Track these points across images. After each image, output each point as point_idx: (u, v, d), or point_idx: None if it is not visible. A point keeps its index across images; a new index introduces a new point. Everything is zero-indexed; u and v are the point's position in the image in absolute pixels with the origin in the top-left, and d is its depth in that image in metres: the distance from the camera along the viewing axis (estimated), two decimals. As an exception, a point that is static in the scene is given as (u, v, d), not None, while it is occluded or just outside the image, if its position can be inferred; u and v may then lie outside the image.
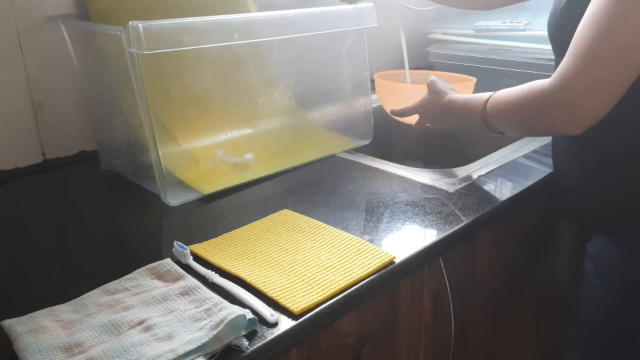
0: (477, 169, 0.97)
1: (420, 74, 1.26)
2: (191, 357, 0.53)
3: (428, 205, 0.84)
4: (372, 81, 1.18)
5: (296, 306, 0.61)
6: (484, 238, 0.88)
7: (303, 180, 0.96)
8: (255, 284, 0.64)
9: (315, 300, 0.62)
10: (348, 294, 0.64)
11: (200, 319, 0.58)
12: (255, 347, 0.56)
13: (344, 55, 1.09)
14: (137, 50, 0.78)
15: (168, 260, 0.69)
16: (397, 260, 0.70)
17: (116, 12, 0.93)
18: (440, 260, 0.80)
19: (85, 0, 0.93)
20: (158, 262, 0.68)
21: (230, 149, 0.95)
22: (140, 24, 0.77)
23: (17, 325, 0.57)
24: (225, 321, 0.55)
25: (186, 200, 0.87)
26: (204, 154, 0.93)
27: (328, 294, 0.63)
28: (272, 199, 0.90)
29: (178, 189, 0.88)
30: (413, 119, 1.02)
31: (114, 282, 0.65)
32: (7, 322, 0.58)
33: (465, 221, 0.79)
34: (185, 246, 0.70)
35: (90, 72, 1.00)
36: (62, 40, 0.99)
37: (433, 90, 0.97)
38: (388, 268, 0.69)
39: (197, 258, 0.70)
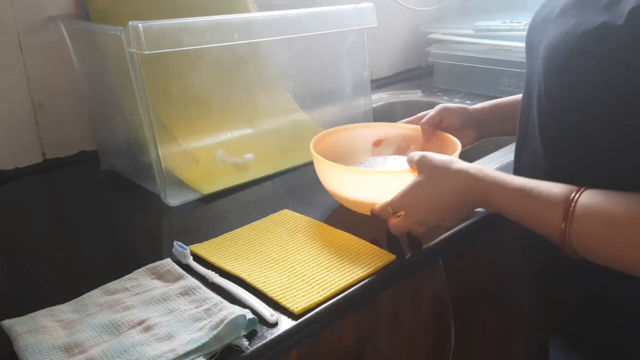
0: (477, 169, 0.97)
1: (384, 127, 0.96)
2: (191, 357, 0.53)
3: (428, 205, 0.84)
4: (372, 81, 1.18)
5: (296, 306, 0.61)
6: (484, 238, 0.88)
7: (303, 180, 0.95)
8: (255, 284, 0.64)
9: (315, 300, 0.62)
10: (348, 294, 0.64)
11: (200, 319, 0.58)
12: (255, 347, 0.56)
13: (344, 55, 1.09)
14: (137, 50, 0.78)
15: (168, 260, 0.69)
16: (397, 261, 0.70)
17: (116, 12, 0.93)
18: (440, 260, 0.80)
19: (85, 0, 0.93)
20: (158, 262, 0.68)
21: (230, 149, 0.95)
22: (140, 24, 0.77)
23: (17, 325, 0.57)
24: (225, 321, 0.55)
25: (186, 200, 0.87)
26: (204, 154, 0.93)
27: (328, 294, 0.63)
28: (272, 199, 0.90)
29: (178, 189, 0.88)
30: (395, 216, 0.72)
31: (114, 282, 0.65)
32: (7, 322, 0.58)
33: (465, 221, 0.79)
34: (185, 246, 0.70)
35: (90, 72, 1.00)
36: (62, 40, 0.99)
37: (430, 167, 0.68)
38: (388, 268, 0.69)
39: (197, 258, 0.70)
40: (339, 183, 0.79)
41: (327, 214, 0.83)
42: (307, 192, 0.91)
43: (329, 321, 0.64)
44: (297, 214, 0.81)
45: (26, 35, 0.96)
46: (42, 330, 0.57)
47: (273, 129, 1.02)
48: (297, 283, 0.65)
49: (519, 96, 0.74)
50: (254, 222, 0.79)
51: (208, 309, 0.59)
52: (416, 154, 0.71)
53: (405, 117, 0.98)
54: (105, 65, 0.94)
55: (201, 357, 0.53)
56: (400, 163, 0.91)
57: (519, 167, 0.74)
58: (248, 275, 0.66)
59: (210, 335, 0.55)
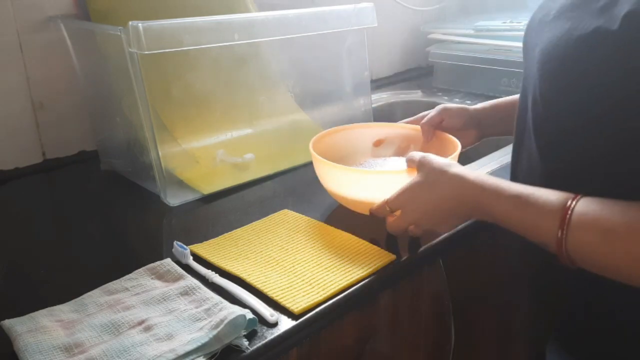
0: (477, 169, 0.97)
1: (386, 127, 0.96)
2: (191, 357, 0.53)
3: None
4: (372, 81, 1.18)
5: (296, 306, 0.61)
6: (484, 238, 0.88)
7: (303, 180, 0.95)
8: (255, 284, 0.64)
9: (315, 300, 0.62)
10: (348, 294, 0.64)
11: (200, 319, 0.58)
12: (255, 347, 0.56)
13: (344, 55, 1.09)
14: (137, 50, 0.78)
15: (168, 260, 0.69)
16: (397, 261, 0.70)
17: (116, 12, 0.93)
18: (440, 260, 0.80)
19: (85, 1, 0.93)
20: (158, 262, 0.68)
21: (230, 149, 0.95)
22: (140, 24, 0.77)
23: (17, 325, 0.57)
24: (225, 321, 0.55)
25: (186, 200, 0.87)
26: (204, 154, 0.93)
27: (328, 294, 0.63)
28: (272, 199, 0.90)
29: (178, 189, 0.88)
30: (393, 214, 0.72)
31: (114, 282, 0.65)
32: (7, 322, 0.58)
33: (465, 221, 0.79)
34: (185, 246, 0.70)
35: (90, 72, 1.00)
36: (62, 40, 0.99)
37: (429, 169, 0.68)
38: (388, 268, 0.69)
39: (197, 258, 0.70)
40: (338, 183, 0.79)
41: (327, 214, 0.83)
42: (307, 192, 0.91)
43: (329, 321, 0.64)
44: (297, 214, 0.81)
45: (26, 35, 0.96)
46: (42, 330, 0.57)
47: (273, 129, 1.02)
48: (297, 283, 0.65)
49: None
50: (254, 222, 0.79)
51: (208, 309, 0.59)
52: (416, 154, 0.71)
53: (405, 117, 0.98)
54: (105, 65, 0.94)
55: (201, 357, 0.53)
56: (400, 164, 0.91)
57: (516, 171, 0.74)
58: (248, 275, 0.66)
59: (210, 335, 0.55)
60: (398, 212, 0.70)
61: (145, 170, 0.89)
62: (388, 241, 0.75)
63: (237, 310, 0.57)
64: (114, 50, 0.88)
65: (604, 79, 0.54)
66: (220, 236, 0.75)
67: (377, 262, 0.68)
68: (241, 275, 0.66)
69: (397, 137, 0.95)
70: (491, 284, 0.95)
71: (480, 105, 0.94)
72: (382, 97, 1.44)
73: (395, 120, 0.99)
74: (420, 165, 0.70)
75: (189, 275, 0.66)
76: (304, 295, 0.62)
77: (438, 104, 0.95)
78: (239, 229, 0.77)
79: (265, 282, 0.65)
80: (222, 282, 0.64)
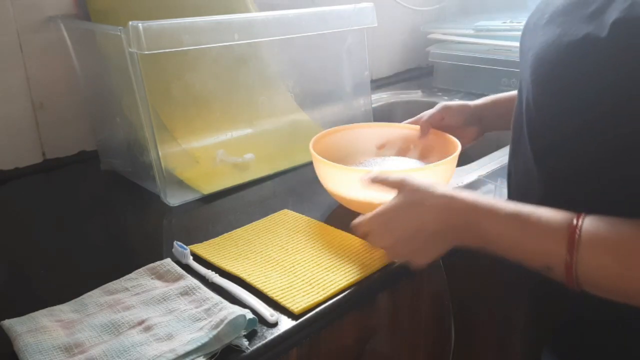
0: (477, 169, 0.97)
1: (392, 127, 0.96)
2: (191, 357, 0.53)
3: (428, 205, 0.84)
4: (372, 81, 1.18)
5: (296, 306, 0.61)
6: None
7: (303, 180, 0.95)
8: (255, 284, 0.64)
9: (315, 300, 0.62)
10: (348, 294, 0.64)
11: (200, 319, 0.58)
12: (255, 347, 0.56)
13: (344, 55, 1.09)
14: (137, 50, 0.78)
15: (168, 260, 0.69)
16: (397, 261, 0.70)
17: (116, 13, 0.93)
18: (440, 261, 0.80)
19: (86, 1, 0.93)
20: (158, 262, 0.68)
21: (230, 149, 0.95)
22: (140, 24, 0.77)
23: (17, 325, 0.57)
24: (226, 321, 0.55)
25: (186, 200, 0.87)
26: (204, 154, 0.93)
27: (328, 294, 0.63)
28: (272, 199, 0.90)
29: (178, 189, 0.88)
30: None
31: (114, 282, 0.65)
32: (7, 322, 0.58)
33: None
34: (185, 246, 0.70)
35: (90, 72, 1.00)
36: (62, 40, 0.99)
37: (412, 189, 0.62)
38: (388, 268, 0.69)
39: (197, 258, 0.70)
40: (338, 183, 0.79)
41: (327, 214, 0.83)
42: (307, 192, 0.91)
43: (329, 321, 0.64)
44: (297, 214, 0.81)
45: (26, 35, 0.96)
46: (42, 330, 0.57)
47: (273, 129, 1.02)
48: (297, 283, 0.65)
49: None
50: (254, 222, 0.79)
51: (208, 309, 0.59)
52: (395, 176, 0.65)
53: (406, 117, 0.98)
54: (105, 65, 0.94)
55: (201, 357, 0.53)
56: (399, 163, 0.91)
57: (513, 174, 0.73)
58: (248, 275, 0.66)
59: (210, 335, 0.55)
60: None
61: (145, 170, 0.89)
62: (388, 241, 0.75)
63: (237, 310, 0.57)
64: (114, 50, 0.88)
65: (594, 85, 0.54)
66: (220, 236, 0.75)
67: (377, 262, 0.68)
68: (241, 275, 0.66)
69: (398, 139, 0.95)
70: (491, 284, 0.95)
71: (480, 100, 0.93)
72: (382, 97, 1.44)
73: (395, 121, 0.99)
74: (400, 186, 0.63)
75: (189, 275, 0.66)
76: (304, 295, 0.62)
77: (438, 104, 0.95)
78: (239, 229, 0.77)
79: (265, 282, 0.65)
80: (222, 282, 0.64)
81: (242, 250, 0.72)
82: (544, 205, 0.56)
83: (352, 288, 0.65)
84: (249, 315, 0.57)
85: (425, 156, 0.92)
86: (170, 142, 0.89)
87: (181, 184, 0.89)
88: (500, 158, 1.02)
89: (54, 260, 0.74)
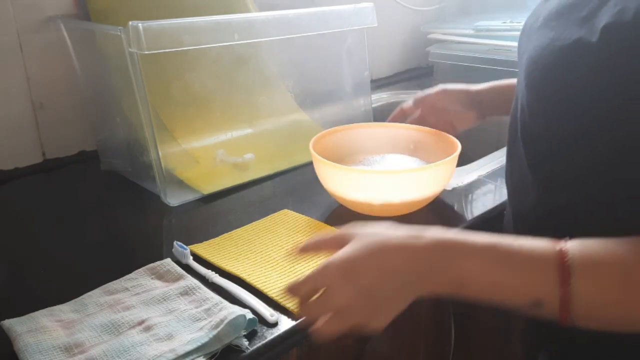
0: (477, 169, 0.97)
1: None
2: (191, 357, 0.53)
3: (428, 204, 0.84)
4: (372, 81, 1.18)
5: (296, 306, 0.60)
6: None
7: (303, 180, 0.95)
8: (255, 284, 0.64)
9: (315, 300, 0.62)
10: (348, 294, 0.64)
11: (200, 319, 0.58)
12: (255, 347, 0.56)
13: (344, 55, 1.09)
14: (137, 50, 0.78)
15: (168, 260, 0.69)
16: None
17: (116, 13, 0.93)
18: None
19: (86, 1, 0.93)
20: (158, 262, 0.68)
21: (230, 149, 0.95)
22: (140, 24, 0.77)
23: (17, 325, 0.57)
24: (226, 321, 0.55)
25: (186, 200, 0.87)
26: (204, 154, 0.93)
27: (328, 294, 0.63)
28: (272, 199, 0.90)
29: (178, 189, 0.88)
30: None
31: (114, 282, 0.65)
32: (7, 322, 0.58)
33: (465, 221, 0.79)
34: (185, 246, 0.70)
35: (90, 72, 1.00)
36: (62, 40, 0.99)
37: (369, 233, 0.53)
38: (388, 268, 0.69)
39: (197, 258, 0.70)
40: (338, 183, 0.79)
41: (327, 214, 0.83)
42: (307, 192, 0.91)
43: (329, 321, 0.64)
44: (297, 214, 0.81)
45: (26, 35, 0.96)
46: (42, 330, 0.57)
47: (273, 129, 1.02)
48: (297, 283, 0.65)
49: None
50: (254, 222, 0.79)
51: (208, 309, 0.59)
52: (344, 230, 0.55)
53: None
54: (105, 65, 0.94)
55: (201, 357, 0.53)
56: (398, 160, 0.91)
57: (509, 177, 0.73)
58: (248, 275, 0.66)
59: (210, 335, 0.55)
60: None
61: (145, 170, 0.89)
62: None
63: (237, 310, 0.57)
64: (113, 50, 0.88)
65: (587, 90, 0.53)
66: (220, 236, 0.75)
67: (377, 262, 0.68)
68: (241, 275, 0.66)
69: (399, 139, 0.95)
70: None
71: (481, 86, 0.93)
72: (382, 97, 1.44)
73: (395, 121, 0.99)
74: (354, 234, 0.53)
75: (189, 275, 0.66)
76: (304, 295, 0.62)
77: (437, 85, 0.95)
78: (239, 229, 0.77)
79: (265, 282, 0.65)
80: (222, 282, 0.64)
81: (242, 250, 0.72)
82: (540, 209, 0.55)
83: (352, 288, 0.65)
84: (249, 315, 0.57)
85: (425, 156, 0.92)
86: (170, 142, 0.89)
87: (181, 184, 0.89)
88: (500, 158, 1.01)
89: (54, 260, 0.74)
